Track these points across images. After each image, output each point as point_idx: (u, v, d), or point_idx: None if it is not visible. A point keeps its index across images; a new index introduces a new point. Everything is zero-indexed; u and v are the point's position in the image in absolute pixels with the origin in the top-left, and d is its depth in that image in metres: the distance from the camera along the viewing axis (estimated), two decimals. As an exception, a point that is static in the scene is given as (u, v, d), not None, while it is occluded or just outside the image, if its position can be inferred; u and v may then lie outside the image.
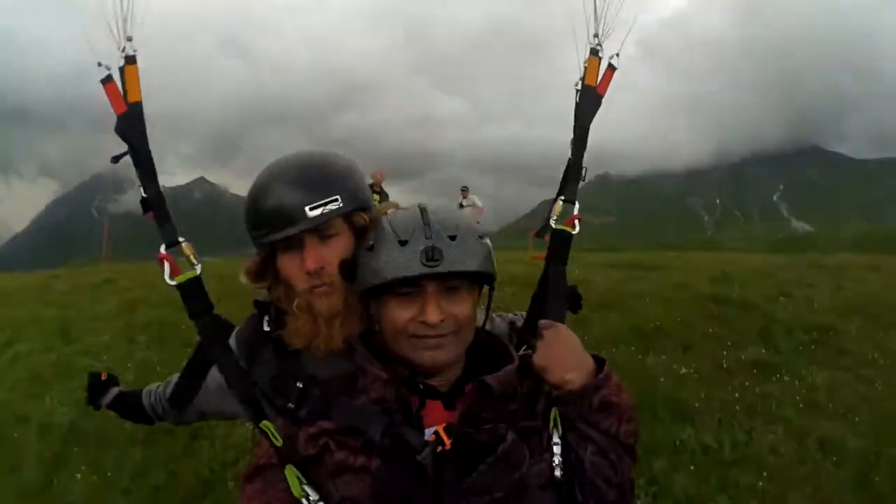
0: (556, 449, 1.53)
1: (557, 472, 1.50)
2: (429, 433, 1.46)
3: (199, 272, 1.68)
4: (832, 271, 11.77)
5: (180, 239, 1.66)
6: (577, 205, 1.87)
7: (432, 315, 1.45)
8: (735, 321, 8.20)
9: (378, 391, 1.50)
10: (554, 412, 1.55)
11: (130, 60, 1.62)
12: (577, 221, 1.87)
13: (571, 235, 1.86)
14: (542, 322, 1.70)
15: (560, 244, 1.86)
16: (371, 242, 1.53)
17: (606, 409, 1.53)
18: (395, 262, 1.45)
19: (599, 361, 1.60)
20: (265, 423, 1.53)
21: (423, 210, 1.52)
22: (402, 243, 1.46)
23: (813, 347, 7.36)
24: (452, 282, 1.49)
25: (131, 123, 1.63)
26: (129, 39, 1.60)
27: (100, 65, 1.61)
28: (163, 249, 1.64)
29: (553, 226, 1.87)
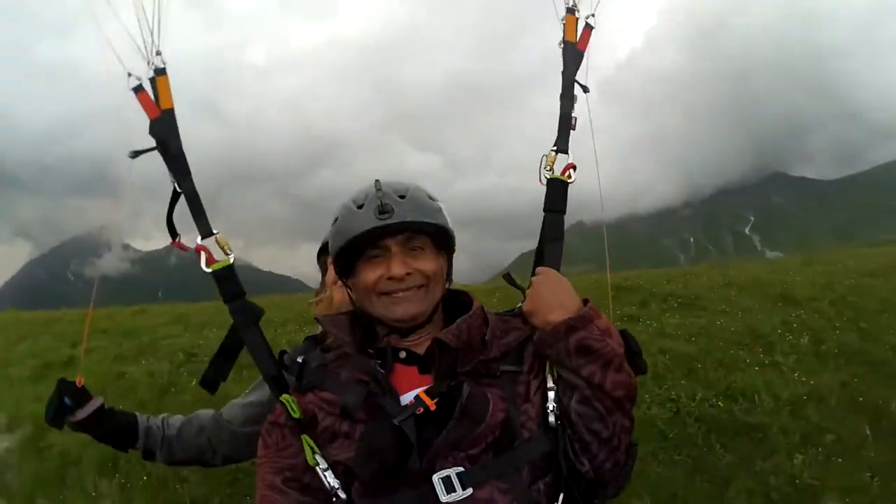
0: (551, 395, 1.56)
1: (552, 419, 1.53)
2: (409, 398, 1.50)
3: (232, 261, 1.78)
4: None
5: (214, 231, 1.76)
6: (570, 154, 1.92)
7: (396, 268, 1.56)
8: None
9: (354, 367, 1.59)
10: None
11: (161, 72, 1.76)
12: (571, 171, 1.90)
13: (567, 184, 1.90)
14: (538, 268, 1.75)
15: (556, 193, 1.89)
16: (335, 216, 1.66)
17: (586, 354, 1.51)
18: (354, 222, 1.57)
19: (586, 303, 1.60)
20: (285, 397, 1.61)
21: (376, 181, 1.62)
22: (359, 207, 1.58)
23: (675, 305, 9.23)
24: (415, 241, 1.60)
25: (165, 126, 1.76)
26: (159, 53, 1.75)
27: (130, 75, 1.75)
28: (199, 240, 1.75)
29: (548, 175, 1.90)
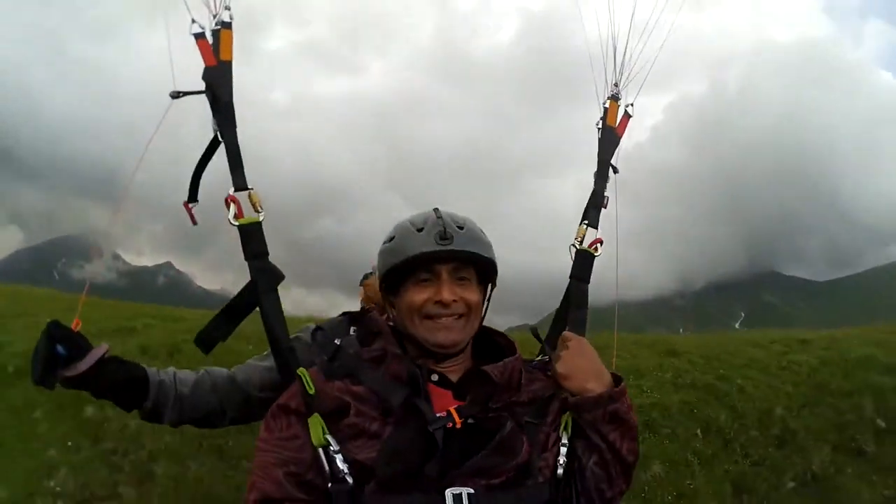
0: (563, 450, 1.63)
1: (560, 471, 1.61)
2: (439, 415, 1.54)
3: (261, 219, 1.74)
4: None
5: (250, 187, 1.75)
6: (598, 230, 2.03)
7: (447, 293, 1.61)
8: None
9: (394, 368, 1.62)
10: (566, 417, 1.67)
11: (226, 25, 1.81)
12: (598, 245, 2.01)
13: (594, 256, 2.01)
14: (566, 334, 1.81)
15: (583, 264, 2.01)
16: (391, 235, 1.70)
17: (616, 422, 1.63)
18: (413, 243, 1.62)
19: (616, 379, 1.71)
20: (302, 370, 1.59)
21: (435, 209, 1.70)
22: (419, 230, 1.64)
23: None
24: (462, 272, 1.66)
25: (220, 75, 1.78)
26: (228, 8, 1.80)
27: (193, 21, 1.78)
28: (231, 191, 1.73)
29: (577, 247, 2.02)
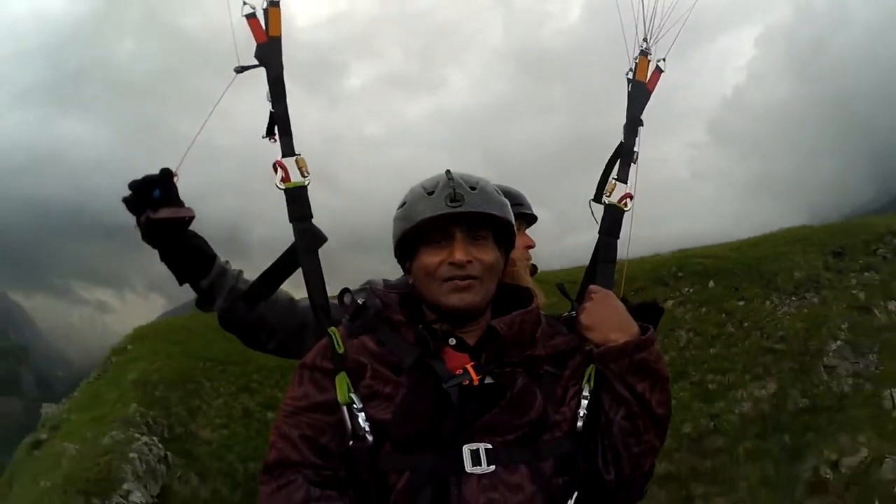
0: (584, 402, 1.61)
1: (579, 424, 1.59)
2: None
3: (307, 183, 1.82)
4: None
5: (297, 152, 1.83)
6: (627, 184, 2.01)
7: (459, 254, 1.58)
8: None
9: (404, 332, 1.61)
10: (590, 369, 1.64)
11: (274, 4, 1.90)
12: (628, 200, 2.00)
13: (623, 211, 2.00)
14: (592, 287, 1.81)
15: (612, 219, 2.00)
16: (403, 201, 1.69)
17: (643, 372, 1.59)
18: (423, 206, 1.60)
19: (643, 329, 1.66)
20: (333, 329, 1.63)
21: (447, 171, 1.66)
22: (430, 193, 1.62)
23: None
24: (477, 231, 1.62)
25: (271, 50, 1.89)
26: None
27: (245, 3, 1.88)
28: (279, 157, 1.82)
29: (606, 202, 2.01)
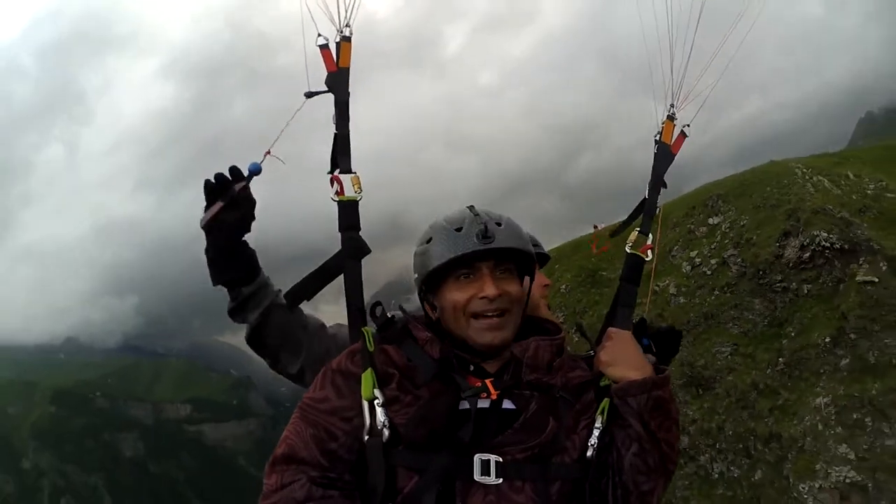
0: (596, 432, 1.66)
1: (590, 453, 1.64)
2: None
3: (358, 198, 1.96)
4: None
5: (353, 171, 1.99)
6: (650, 237, 2.09)
7: (490, 289, 1.64)
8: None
9: (430, 349, 1.69)
10: (604, 403, 1.71)
11: (346, 39, 2.05)
12: (649, 251, 2.07)
13: (644, 261, 2.06)
14: (611, 328, 1.89)
15: (633, 267, 2.05)
16: (428, 237, 1.75)
17: (658, 409, 1.65)
18: (454, 244, 1.66)
19: (658, 370, 1.74)
20: (366, 329, 1.74)
21: (471, 207, 1.75)
22: (458, 230, 1.68)
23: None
24: (503, 265, 1.70)
25: (339, 79, 2.03)
26: (348, 25, 2.05)
27: (319, 35, 2.04)
28: (336, 172, 1.98)
29: (628, 251, 2.06)
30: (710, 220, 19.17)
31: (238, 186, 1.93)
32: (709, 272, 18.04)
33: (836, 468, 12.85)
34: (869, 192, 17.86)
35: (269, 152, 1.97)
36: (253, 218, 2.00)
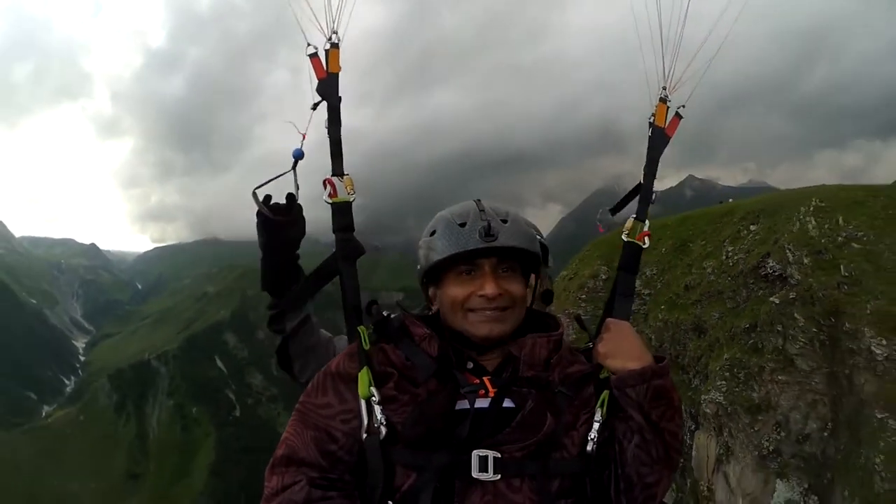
0: (596, 426, 1.64)
1: (589, 447, 1.62)
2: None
3: (351, 200, 1.97)
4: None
5: (346, 173, 2.00)
6: (647, 223, 2.06)
7: (490, 288, 1.63)
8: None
9: (427, 346, 1.68)
10: (604, 395, 1.69)
11: (335, 46, 2.05)
12: (646, 238, 2.05)
13: (641, 248, 2.04)
14: (610, 319, 1.88)
15: (630, 255, 2.03)
16: (432, 229, 1.73)
17: (659, 399, 1.63)
18: (456, 239, 1.65)
19: (657, 359, 1.71)
20: (362, 328, 1.75)
21: (477, 201, 1.73)
22: (462, 225, 1.67)
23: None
24: (505, 264, 1.68)
25: (329, 85, 2.04)
26: (335, 33, 2.05)
27: (308, 44, 2.05)
28: (329, 175, 1.99)
29: (625, 239, 2.04)
30: None
31: (286, 172, 1.99)
32: None
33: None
34: None
35: (304, 135, 2.02)
36: (303, 234, 2.10)
